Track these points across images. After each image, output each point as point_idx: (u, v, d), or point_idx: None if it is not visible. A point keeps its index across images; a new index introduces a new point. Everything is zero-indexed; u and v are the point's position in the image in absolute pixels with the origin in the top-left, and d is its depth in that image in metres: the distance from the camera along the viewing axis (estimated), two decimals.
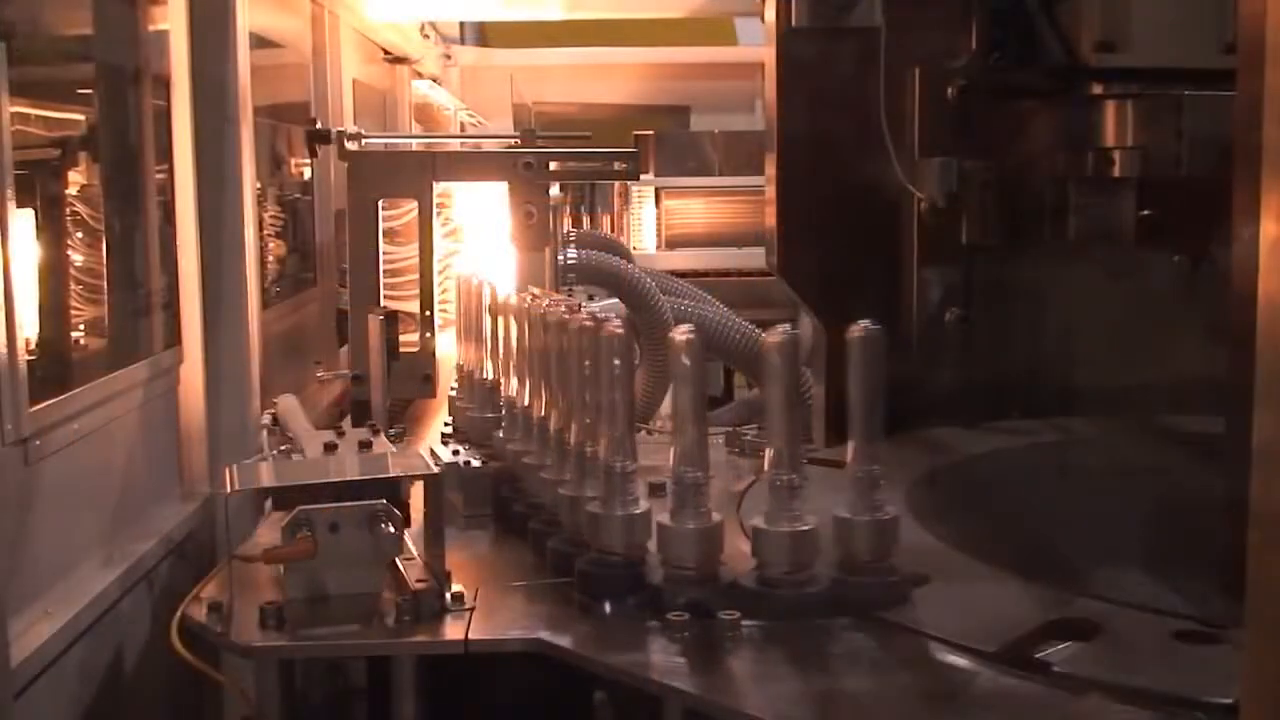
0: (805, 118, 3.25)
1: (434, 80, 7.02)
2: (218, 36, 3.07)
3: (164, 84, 2.99)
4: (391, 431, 3.11)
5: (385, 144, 4.22)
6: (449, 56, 8.07)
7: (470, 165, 3.85)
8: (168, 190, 3.03)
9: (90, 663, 2.36)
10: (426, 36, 6.99)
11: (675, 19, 7.73)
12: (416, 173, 3.60)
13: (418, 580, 2.10)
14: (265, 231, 3.80)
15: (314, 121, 4.23)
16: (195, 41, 3.03)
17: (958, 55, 3.17)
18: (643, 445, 2.18)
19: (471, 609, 2.08)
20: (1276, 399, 1.20)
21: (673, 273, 5.65)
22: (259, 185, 3.53)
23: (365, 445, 2.54)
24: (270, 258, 3.93)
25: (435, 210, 3.70)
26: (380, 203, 3.60)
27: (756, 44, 3.71)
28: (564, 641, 1.96)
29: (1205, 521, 2.12)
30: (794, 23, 3.20)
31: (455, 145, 6.06)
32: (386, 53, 6.00)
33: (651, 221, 7.48)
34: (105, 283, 2.78)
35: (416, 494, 2.38)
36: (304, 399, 3.32)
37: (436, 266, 3.73)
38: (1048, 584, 2.11)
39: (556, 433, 2.36)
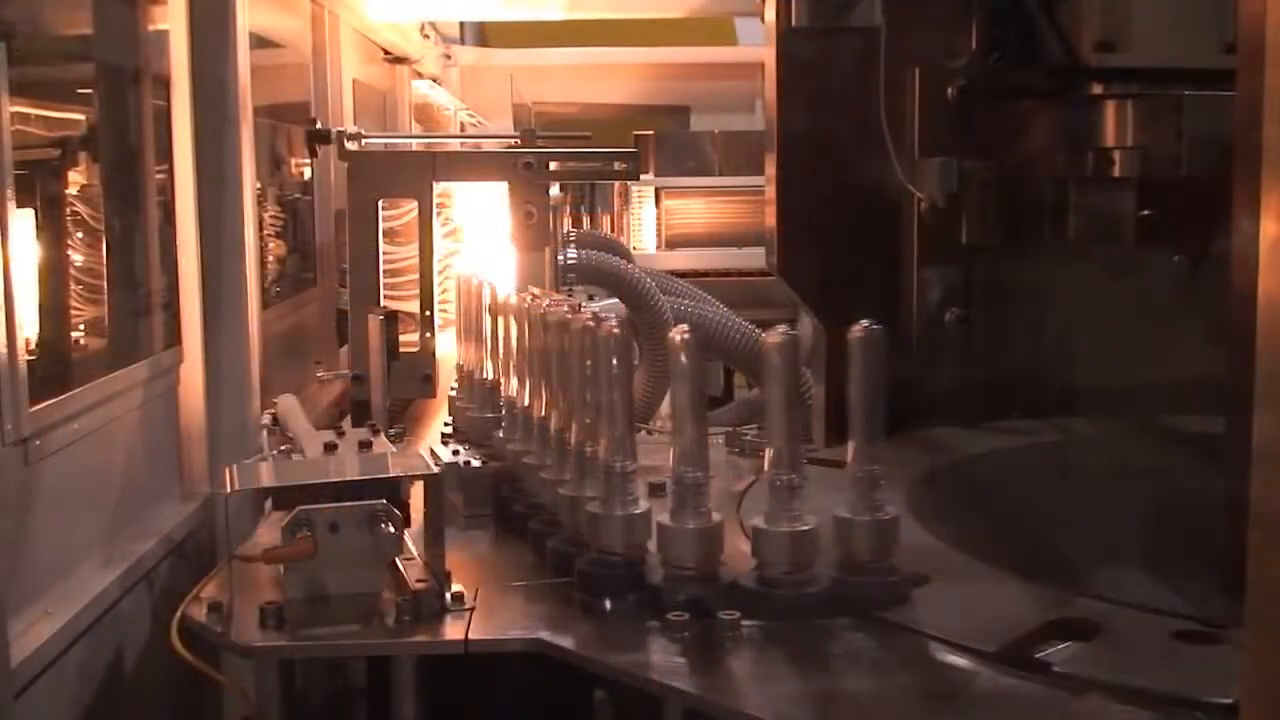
0: (805, 118, 3.25)
1: (434, 80, 7.02)
2: (218, 36, 3.07)
3: (164, 84, 2.99)
4: (391, 431, 3.11)
5: (385, 144, 4.22)
6: (449, 56, 8.07)
7: (470, 165, 3.85)
8: (168, 190, 3.03)
9: (90, 663, 2.36)
10: (426, 36, 6.99)
11: (675, 19, 7.73)
12: (416, 173, 3.60)
13: (418, 580, 2.10)
14: (265, 231, 3.80)
15: (314, 121, 4.23)
16: (195, 41, 3.03)
17: (958, 55, 3.17)
18: (642, 445, 2.18)
19: (471, 609, 2.08)
20: (1276, 399, 1.20)
21: (673, 273, 5.66)
22: (259, 185, 3.53)
23: (365, 445, 2.54)
24: (270, 258, 3.93)
25: (435, 210, 3.70)
26: (380, 203, 3.60)
27: (756, 44, 3.71)
28: (564, 641, 1.96)
29: (1205, 521, 2.12)
30: (794, 23, 3.20)
31: (455, 145, 6.06)
32: (386, 53, 6.00)
33: (651, 221, 7.48)
34: (105, 283, 2.78)
35: (416, 494, 2.37)
36: (304, 399, 3.32)
37: (436, 266, 3.73)
38: (1048, 584, 2.11)
39: (556, 433, 2.36)
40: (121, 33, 2.91)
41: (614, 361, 2.08)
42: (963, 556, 2.29)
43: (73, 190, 2.70)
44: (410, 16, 6.18)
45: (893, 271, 3.31)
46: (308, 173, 4.46)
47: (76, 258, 2.70)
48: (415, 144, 5.14)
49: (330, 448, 2.53)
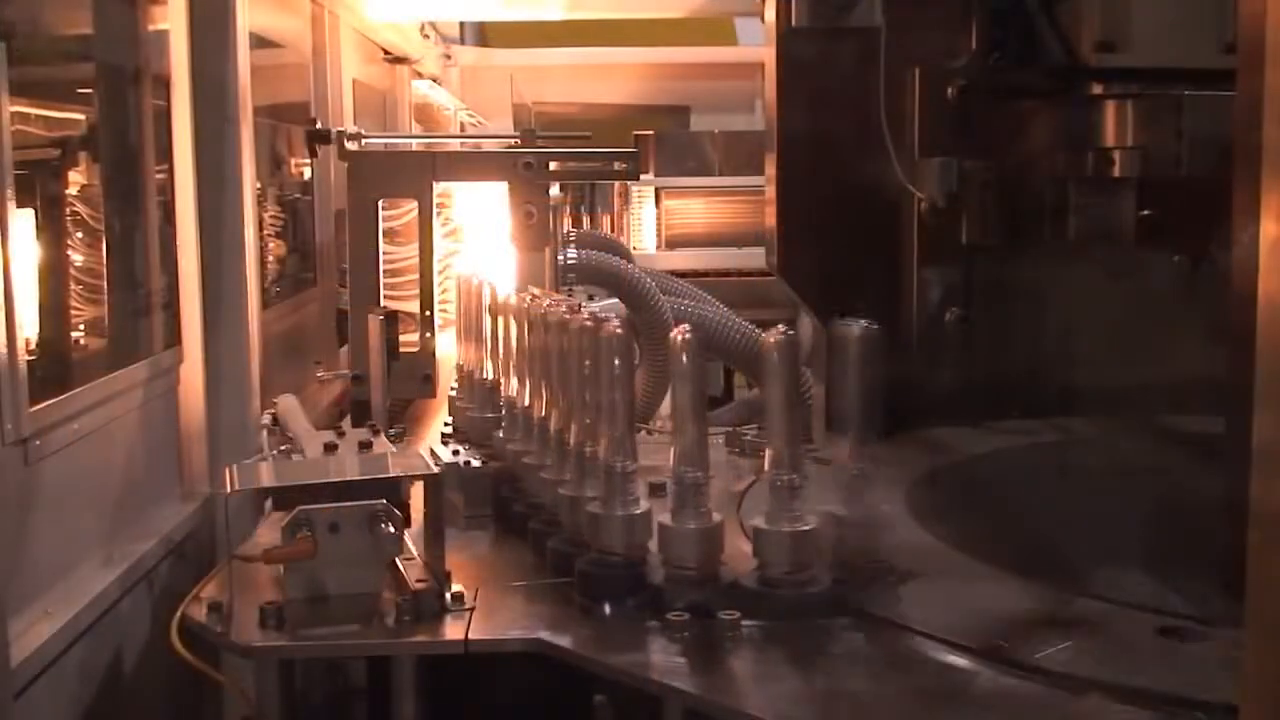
0: (805, 118, 3.25)
1: (434, 80, 7.02)
2: (218, 36, 3.07)
3: (164, 84, 3.00)
4: (391, 431, 3.11)
5: (385, 144, 4.22)
6: (449, 56, 8.07)
7: (470, 165, 3.85)
8: (168, 190, 3.03)
9: (90, 663, 2.36)
10: (426, 36, 6.99)
11: (675, 19, 7.73)
12: (416, 173, 3.60)
13: (418, 580, 2.10)
14: (265, 231, 3.80)
15: (314, 121, 4.23)
16: (195, 41, 3.03)
17: (958, 55, 3.17)
18: (642, 445, 2.18)
19: (471, 609, 2.08)
20: (1276, 399, 1.20)
21: (673, 273, 5.65)
22: (259, 185, 3.53)
23: (365, 445, 2.54)
24: (270, 258, 3.93)
25: (435, 210, 3.70)
26: (380, 203, 3.60)
27: (756, 44, 3.71)
28: (564, 641, 1.96)
29: (1205, 521, 2.12)
30: (794, 23, 3.20)
31: (455, 145, 6.06)
32: (386, 53, 6.00)
33: (651, 221, 7.48)
34: (105, 283, 2.78)
35: (417, 494, 2.37)
36: (304, 399, 3.32)
37: (436, 266, 3.73)
38: (1048, 584, 2.11)
39: (557, 433, 2.36)
40: (121, 33, 2.91)
41: (615, 361, 2.08)
42: (963, 556, 2.29)
43: (73, 190, 2.70)
44: (410, 16, 6.18)
45: (893, 271, 3.31)
46: (308, 173, 4.46)
47: (76, 258, 2.70)
48: (415, 144, 5.14)
49: (330, 448, 2.53)
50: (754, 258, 5.81)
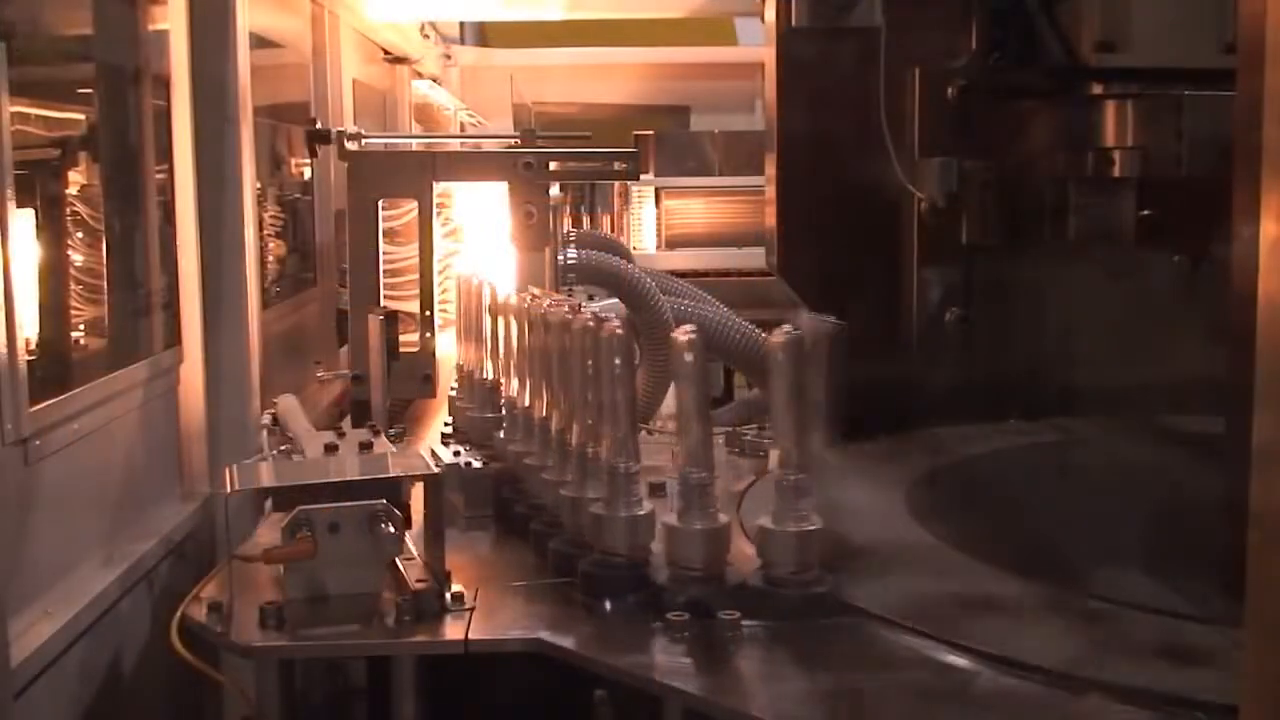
0: (805, 118, 3.26)
1: (434, 80, 7.02)
2: (218, 36, 3.07)
3: (164, 84, 3.00)
4: (391, 431, 3.10)
5: (385, 144, 4.22)
6: (449, 56, 8.07)
7: (470, 165, 3.84)
8: (168, 190, 3.03)
9: (90, 663, 2.36)
10: (426, 36, 6.99)
11: (675, 19, 7.73)
12: (416, 173, 3.60)
13: (418, 580, 2.10)
14: (265, 231, 3.80)
15: (314, 121, 4.23)
16: (195, 41, 3.03)
17: (958, 55, 3.17)
18: (642, 446, 2.18)
19: (472, 609, 2.08)
20: (1276, 399, 1.20)
21: (673, 273, 5.63)
22: (259, 185, 3.53)
23: (365, 446, 2.54)
24: (270, 258, 3.93)
25: (435, 210, 3.70)
26: (380, 203, 3.60)
27: (756, 44, 3.71)
28: (564, 642, 1.96)
29: (1205, 521, 2.12)
30: (794, 23, 3.20)
31: (455, 145, 6.05)
32: (386, 53, 6.00)
33: (651, 221, 7.47)
34: (105, 283, 2.78)
35: (417, 494, 2.37)
36: (304, 399, 3.31)
37: (436, 266, 3.72)
38: (1048, 583, 2.11)
39: (558, 433, 2.36)
40: (121, 33, 2.92)
41: (617, 361, 2.08)
42: (962, 556, 2.29)
43: (73, 190, 2.70)
44: (410, 16, 6.17)
45: (893, 271, 3.31)
46: (308, 173, 4.46)
47: (76, 258, 2.70)
48: (415, 144, 5.13)
49: (330, 448, 2.52)
50: (754, 258, 5.80)
